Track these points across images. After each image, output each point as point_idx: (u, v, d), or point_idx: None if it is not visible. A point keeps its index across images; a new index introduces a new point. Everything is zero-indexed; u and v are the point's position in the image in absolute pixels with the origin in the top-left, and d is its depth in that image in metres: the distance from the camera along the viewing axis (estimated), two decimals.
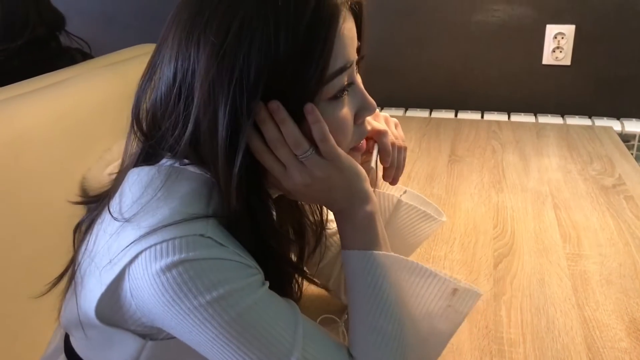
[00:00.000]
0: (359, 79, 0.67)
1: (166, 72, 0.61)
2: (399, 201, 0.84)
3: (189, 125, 0.59)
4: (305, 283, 0.82)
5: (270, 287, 0.61)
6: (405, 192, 0.86)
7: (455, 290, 0.65)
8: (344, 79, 0.62)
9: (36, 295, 0.69)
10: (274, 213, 0.68)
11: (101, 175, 0.88)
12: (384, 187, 0.84)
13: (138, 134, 0.66)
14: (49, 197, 1.03)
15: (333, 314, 0.88)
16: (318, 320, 0.87)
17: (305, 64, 0.57)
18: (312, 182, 0.62)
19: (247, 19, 0.56)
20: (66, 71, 1.35)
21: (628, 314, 0.89)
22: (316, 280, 0.84)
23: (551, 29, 1.92)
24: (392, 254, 0.65)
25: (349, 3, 0.61)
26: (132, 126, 0.67)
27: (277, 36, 0.56)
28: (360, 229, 0.66)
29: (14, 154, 0.96)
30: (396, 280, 0.64)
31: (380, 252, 0.65)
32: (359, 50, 0.65)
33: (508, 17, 1.94)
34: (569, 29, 1.90)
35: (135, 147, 0.67)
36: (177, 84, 0.60)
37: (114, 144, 1.18)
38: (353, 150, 0.69)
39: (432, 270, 0.65)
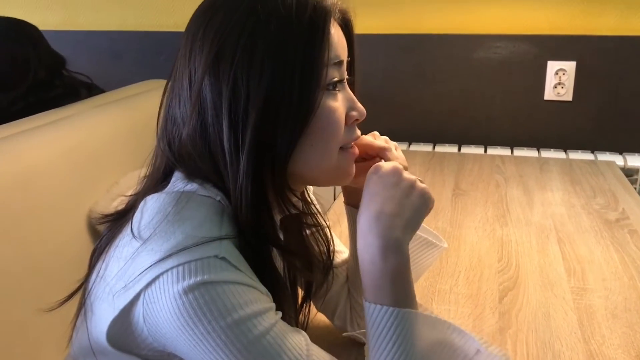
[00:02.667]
0: (349, 91, 0.71)
1: (180, 68, 0.66)
2: None
3: (197, 108, 0.63)
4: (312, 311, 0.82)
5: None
6: None
7: (478, 352, 0.65)
8: (335, 73, 0.66)
9: (45, 309, 0.70)
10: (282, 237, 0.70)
11: (108, 208, 0.89)
12: None
13: (163, 143, 0.69)
14: (57, 230, 1.04)
15: (342, 342, 0.88)
16: (343, 334, 0.87)
17: (307, 49, 0.63)
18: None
19: (254, 7, 0.62)
20: (74, 106, 1.38)
21: (635, 348, 0.89)
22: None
23: (552, 65, 1.94)
24: (424, 313, 0.65)
25: (337, 13, 0.68)
26: (158, 144, 0.70)
27: (282, 25, 0.62)
28: (390, 281, 0.64)
29: (22, 187, 0.97)
30: (421, 337, 0.63)
31: (411, 310, 0.64)
32: (349, 68, 0.71)
33: (509, 54, 1.97)
34: (570, 65, 1.93)
35: (156, 164, 0.71)
36: (188, 75, 0.64)
37: (121, 177, 1.20)
38: (343, 150, 0.70)
39: (458, 328, 0.66)
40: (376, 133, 0.77)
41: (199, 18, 0.66)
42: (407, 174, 0.69)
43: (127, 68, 2.33)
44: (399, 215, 0.66)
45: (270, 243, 0.67)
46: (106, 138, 1.23)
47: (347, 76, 0.70)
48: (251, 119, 0.61)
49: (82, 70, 1.62)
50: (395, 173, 0.68)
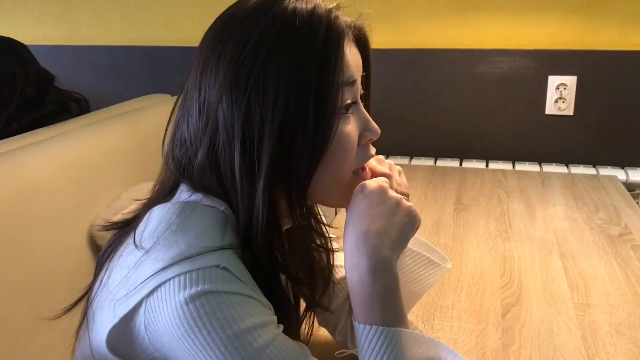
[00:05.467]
0: (363, 109, 0.70)
1: (191, 88, 0.66)
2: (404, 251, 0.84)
3: (208, 132, 0.63)
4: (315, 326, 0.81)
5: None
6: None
7: None
8: (348, 95, 0.65)
9: (49, 317, 0.70)
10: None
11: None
12: None
13: (170, 162, 0.68)
14: (58, 244, 1.04)
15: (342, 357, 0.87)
16: (336, 353, 0.86)
17: (322, 73, 0.62)
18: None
19: (267, 32, 0.62)
20: (75, 121, 1.38)
21: None
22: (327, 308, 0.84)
23: (553, 80, 1.95)
24: (414, 332, 0.64)
25: (353, 32, 0.67)
26: (165, 157, 0.70)
27: (295, 49, 0.61)
28: (380, 302, 0.64)
29: (24, 202, 0.97)
30: (412, 356, 0.63)
31: (402, 329, 0.64)
32: (364, 83, 0.70)
33: (511, 68, 1.98)
34: (571, 80, 1.93)
35: (165, 177, 0.70)
36: (200, 97, 0.64)
37: (123, 192, 1.19)
38: (356, 174, 0.70)
39: (449, 348, 0.65)
40: (381, 158, 0.76)
41: (212, 42, 0.65)
42: (392, 193, 0.69)
43: (128, 83, 2.33)
44: (386, 233, 0.66)
45: (278, 266, 0.66)
46: (108, 153, 1.23)
47: (361, 91, 0.69)
48: (266, 146, 0.61)
49: (83, 84, 1.63)
50: (382, 192, 0.68)
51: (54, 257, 1.02)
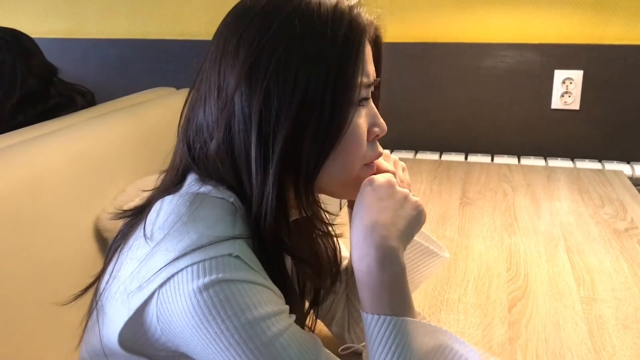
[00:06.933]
0: (373, 105, 0.70)
1: (210, 71, 0.66)
2: None
3: (225, 114, 0.63)
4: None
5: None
6: None
7: None
8: (365, 91, 0.66)
9: (60, 303, 0.70)
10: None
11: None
12: None
13: (182, 144, 0.68)
14: (65, 237, 1.04)
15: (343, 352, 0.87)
16: (340, 349, 0.87)
17: (342, 65, 0.63)
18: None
19: (290, 18, 0.62)
20: (81, 114, 1.38)
21: None
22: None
23: (559, 74, 1.94)
24: (422, 321, 0.64)
25: (372, 31, 0.68)
26: (178, 142, 0.70)
27: (317, 38, 0.62)
28: (388, 291, 0.64)
29: (31, 194, 0.97)
30: (421, 345, 0.63)
31: (410, 318, 0.64)
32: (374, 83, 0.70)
33: (517, 63, 1.97)
34: (577, 74, 1.92)
35: (175, 163, 0.71)
36: (219, 79, 0.64)
37: (129, 185, 1.20)
38: (367, 166, 0.71)
39: (457, 337, 0.65)
40: (387, 153, 0.77)
41: (233, 24, 0.65)
42: (400, 187, 0.70)
43: (134, 76, 2.33)
44: (393, 225, 0.66)
45: (286, 250, 0.67)
46: (114, 146, 1.24)
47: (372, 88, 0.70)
48: (282, 132, 0.61)
49: (89, 77, 1.63)
50: (390, 185, 0.69)
51: (60, 249, 1.03)
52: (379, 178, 0.69)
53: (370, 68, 0.68)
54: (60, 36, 2.38)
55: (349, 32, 0.63)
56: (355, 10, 0.65)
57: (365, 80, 0.65)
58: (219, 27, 0.67)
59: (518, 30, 1.97)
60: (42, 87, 1.55)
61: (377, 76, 0.70)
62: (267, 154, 0.62)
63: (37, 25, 2.39)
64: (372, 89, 0.69)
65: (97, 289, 0.67)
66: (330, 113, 0.62)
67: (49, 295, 0.97)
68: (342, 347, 0.87)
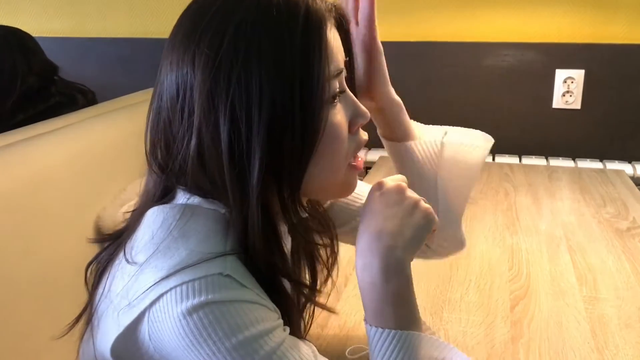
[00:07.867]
0: (351, 94, 0.66)
1: (168, 94, 0.61)
2: (443, 144, 0.85)
3: (193, 141, 0.58)
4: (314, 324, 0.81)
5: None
6: (446, 133, 0.86)
7: None
8: (336, 84, 0.62)
9: (55, 336, 0.68)
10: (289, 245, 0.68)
11: (116, 214, 0.88)
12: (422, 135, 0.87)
13: (154, 167, 0.65)
14: (64, 236, 1.04)
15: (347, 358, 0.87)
16: (348, 350, 0.86)
17: (305, 64, 0.58)
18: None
19: (243, 26, 0.57)
20: (81, 113, 1.38)
21: None
22: (331, 308, 0.82)
23: (560, 74, 1.94)
24: (426, 335, 0.63)
25: (333, 15, 0.63)
26: (148, 159, 0.66)
27: (275, 41, 0.57)
28: (392, 304, 0.63)
29: (31, 192, 0.97)
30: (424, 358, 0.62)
31: (414, 332, 0.62)
32: (347, 66, 0.66)
33: (518, 62, 1.96)
34: (579, 74, 1.92)
35: (152, 184, 0.67)
36: (179, 103, 0.59)
37: (129, 183, 1.19)
38: (351, 168, 0.67)
39: (461, 354, 0.64)
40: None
41: (184, 42, 0.60)
42: (410, 192, 0.67)
43: (134, 75, 2.32)
44: (400, 234, 0.63)
45: (279, 272, 0.64)
46: (114, 145, 1.23)
47: (345, 74, 0.66)
48: (256, 149, 0.57)
49: (90, 76, 1.63)
50: (399, 191, 0.66)
51: (60, 248, 1.02)
52: (389, 182, 0.67)
53: (339, 58, 0.63)
54: (60, 35, 2.38)
55: (306, 25, 0.58)
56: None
57: (333, 69, 0.61)
58: (168, 43, 0.63)
59: (519, 29, 1.97)
60: (42, 85, 1.54)
61: (346, 56, 0.66)
62: (242, 174, 0.58)
63: (37, 24, 2.39)
64: (344, 74, 0.65)
65: (91, 303, 0.65)
66: (303, 117, 0.58)
67: (49, 294, 0.96)
68: (349, 350, 0.86)
